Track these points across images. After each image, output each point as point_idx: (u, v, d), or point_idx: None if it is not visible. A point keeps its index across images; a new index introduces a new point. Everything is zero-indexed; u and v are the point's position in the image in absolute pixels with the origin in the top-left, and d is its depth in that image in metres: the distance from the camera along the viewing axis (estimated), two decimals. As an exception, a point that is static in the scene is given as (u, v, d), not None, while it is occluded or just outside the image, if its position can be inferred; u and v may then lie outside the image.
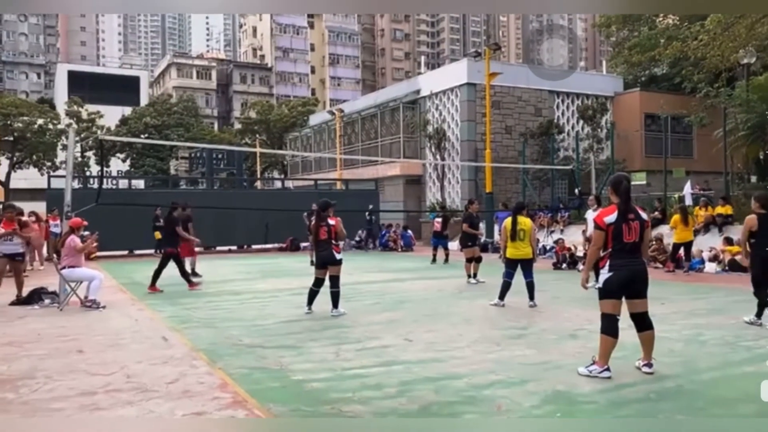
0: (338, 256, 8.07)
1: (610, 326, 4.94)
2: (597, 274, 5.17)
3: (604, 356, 4.93)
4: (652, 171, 21.39)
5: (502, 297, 8.65)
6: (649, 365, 5.05)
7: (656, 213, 16.93)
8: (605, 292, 4.98)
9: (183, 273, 11.25)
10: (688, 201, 16.83)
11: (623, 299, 5.00)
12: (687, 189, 17.98)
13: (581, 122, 26.19)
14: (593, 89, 28.05)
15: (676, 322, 7.28)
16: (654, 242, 14.97)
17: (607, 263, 4.95)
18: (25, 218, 15.38)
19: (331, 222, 8.15)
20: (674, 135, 25.11)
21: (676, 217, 13.49)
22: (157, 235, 19.04)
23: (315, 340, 6.51)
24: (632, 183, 20.21)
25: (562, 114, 27.41)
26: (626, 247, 4.93)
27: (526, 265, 8.71)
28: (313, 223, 8.45)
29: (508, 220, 8.74)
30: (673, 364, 5.33)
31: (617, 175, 5.29)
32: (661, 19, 27.94)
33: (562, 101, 27.50)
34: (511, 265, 8.72)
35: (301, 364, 5.47)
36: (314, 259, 8.50)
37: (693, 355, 5.64)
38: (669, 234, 14.61)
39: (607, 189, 5.29)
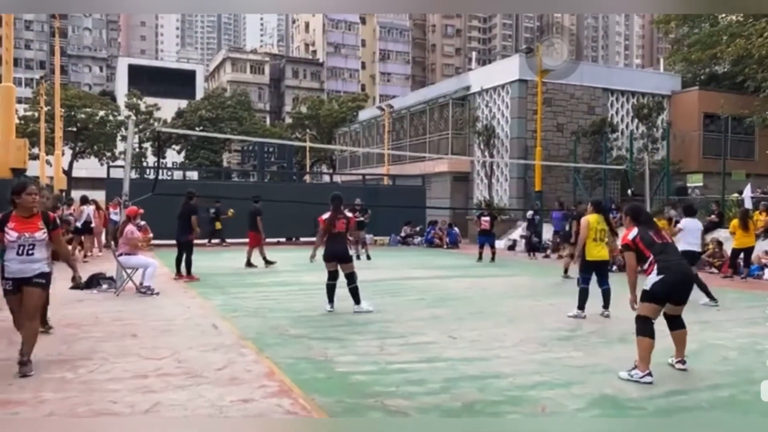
0: (351, 252, 8.01)
1: (647, 328, 4.88)
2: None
3: (644, 359, 4.84)
4: (710, 173, 20.66)
5: (582, 307, 7.71)
6: (683, 362, 5.13)
7: (713, 216, 16.35)
8: (651, 295, 4.91)
9: (178, 261, 11.54)
10: (748, 204, 16.17)
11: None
12: (747, 192, 17.28)
13: (636, 121, 25.48)
14: (649, 87, 27.23)
15: (732, 329, 7.04)
16: (710, 246, 14.49)
17: (655, 267, 4.91)
18: (74, 209, 14.58)
19: (349, 215, 8.06)
20: (734, 136, 24.15)
21: (735, 221, 12.82)
22: (218, 225, 20.00)
23: (359, 334, 6.58)
24: (688, 185, 19.38)
25: (616, 112, 26.72)
26: (664, 248, 5.01)
27: (604, 268, 7.95)
28: (329, 215, 7.94)
29: (593, 218, 7.86)
30: (726, 372, 5.17)
31: (637, 206, 5.55)
32: (723, 15, 26.87)
33: (617, 99, 26.80)
34: (589, 268, 7.84)
35: (345, 357, 5.55)
36: (323, 252, 7.97)
37: (748, 365, 5.43)
38: (727, 239, 14.09)
39: (624, 218, 5.44)
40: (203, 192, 18.62)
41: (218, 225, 20.33)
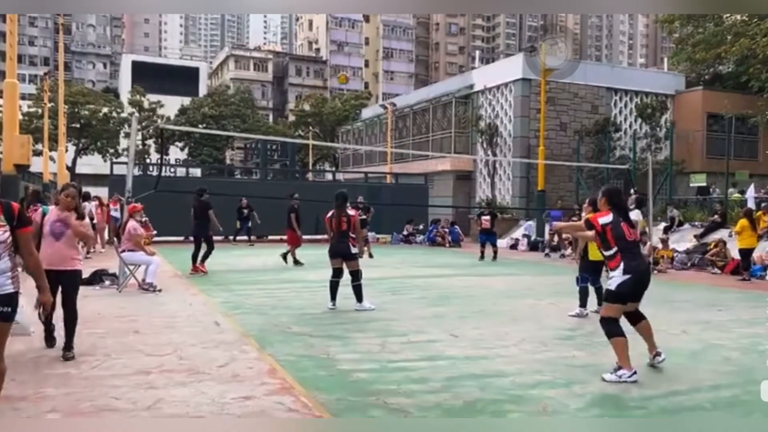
0: (353, 250, 7.94)
1: (616, 329, 4.88)
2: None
3: (625, 358, 4.82)
4: (713, 173, 20.61)
5: (583, 305, 7.73)
6: (659, 353, 5.09)
7: (716, 216, 16.33)
8: (619, 296, 4.88)
9: (194, 256, 11.72)
10: (751, 204, 16.13)
11: None
12: (750, 192, 17.24)
13: (639, 121, 25.44)
14: (653, 87, 27.16)
15: (734, 330, 7.02)
16: (713, 246, 14.47)
17: (621, 265, 4.85)
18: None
19: (351, 213, 8.05)
20: (738, 136, 24.08)
21: (744, 222, 12.55)
22: (238, 224, 19.93)
23: (361, 332, 6.58)
24: (691, 185, 19.27)
25: (620, 112, 26.67)
26: (632, 246, 4.95)
27: (600, 267, 7.84)
28: (332, 213, 8.05)
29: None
30: (729, 373, 5.16)
31: (616, 189, 5.37)
32: (728, 15, 26.79)
33: (620, 99, 26.75)
34: (590, 268, 7.73)
35: (347, 354, 5.55)
36: (328, 249, 8.21)
37: (751, 365, 5.40)
38: (730, 239, 14.04)
39: (600, 199, 5.29)
40: (209, 189, 18.66)
41: (238, 224, 20.18)
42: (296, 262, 13.73)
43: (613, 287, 4.87)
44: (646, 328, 5.12)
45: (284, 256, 13.90)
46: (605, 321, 4.93)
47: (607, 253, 4.99)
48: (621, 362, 4.82)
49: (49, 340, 5.63)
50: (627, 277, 4.82)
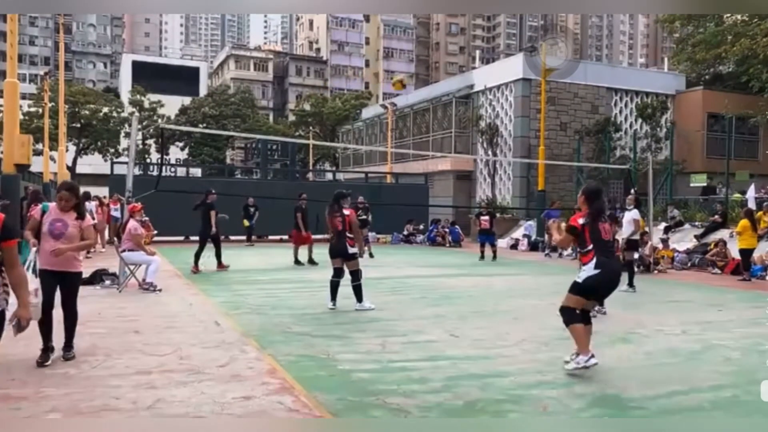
0: (352, 250, 7.86)
1: (574, 317, 4.99)
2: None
3: (583, 344, 4.90)
4: (714, 173, 20.61)
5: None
6: (578, 353, 5.06)
7: (716, 217, 16.32)
8: (583, 289, 4.96)
9: (197, 255, 11.81)
10: (751, 205, 16.12)
11: None
12: (751, 193, 17.23)
13: (640, 121, 25.43)
14: (653, 87, 27.17)
15: (734, 330, 7.01)
16: (713, 246, 14.47)
17: (593, 260, 4.93)
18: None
19: (346, 212, 7.98)
20: (738, 136, 24.07)
21: (745, 222, 12.54)
22: (245, 222, 19.87)
23: (362, 332, 6.58)
24: (692, 185, 19.30)
25: (620, 112, 26.67)
26: (606, 245, 5.02)
27: None
28: (327, 213, 8.07)
29: None
30: (729, 373, 5.16)
31: (596, 187, 5.40)
32: (728, 14, 26.79)
33: (620, 98, 26.75)
34: None
35: (347, 354, 5.55)
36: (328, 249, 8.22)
37: (751, 366, 5.40)
38: (731, 239, 14.04)
39: (579, 197, 5.28)
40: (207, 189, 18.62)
41: (246, 222, 20.11)
42: (297, 262, 13.75)
43: (580, 280, 4.97)
44: (589, 331, 5.13)
45: (310, 260, 13.79)
46: (563, 310, 5.05)
47: (582, 251, 5.08)
48: (579, 348, 4.91)
49: (44, 357, 5.06)
50: (596, 272, 4.89)
